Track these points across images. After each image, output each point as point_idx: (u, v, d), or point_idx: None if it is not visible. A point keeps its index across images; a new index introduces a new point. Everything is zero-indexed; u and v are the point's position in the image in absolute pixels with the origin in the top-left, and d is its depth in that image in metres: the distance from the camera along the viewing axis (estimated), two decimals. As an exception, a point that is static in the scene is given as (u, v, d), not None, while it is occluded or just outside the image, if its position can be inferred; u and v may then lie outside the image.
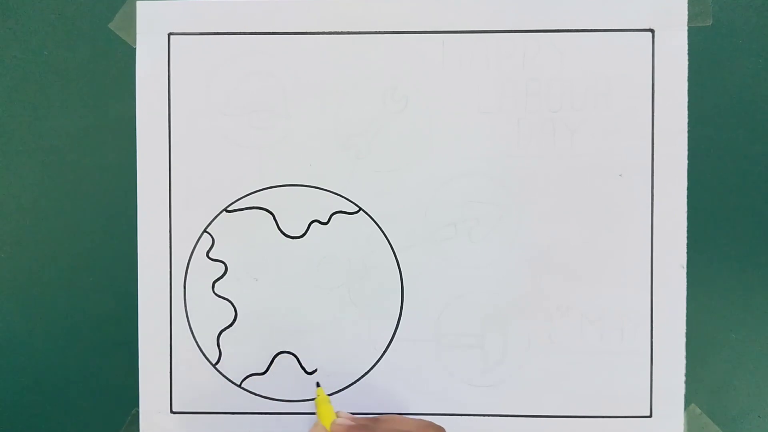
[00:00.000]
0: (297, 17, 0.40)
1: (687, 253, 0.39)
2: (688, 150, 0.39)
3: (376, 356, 0.40)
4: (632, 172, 0.40)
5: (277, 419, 0.40)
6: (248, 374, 0.40)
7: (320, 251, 0.40)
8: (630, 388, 0.40)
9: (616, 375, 0.40)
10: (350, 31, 0.40)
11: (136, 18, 0.40)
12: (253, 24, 0.40)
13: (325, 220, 0.40)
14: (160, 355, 0.40)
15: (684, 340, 0.39)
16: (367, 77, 0.40)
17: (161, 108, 0.40)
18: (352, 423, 0.35)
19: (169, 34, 0.40)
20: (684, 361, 0.39)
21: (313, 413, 0.40)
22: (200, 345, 0.40)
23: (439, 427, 0.34)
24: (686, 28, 0.39)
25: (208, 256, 0.40)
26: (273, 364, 0.40)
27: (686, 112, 0.39)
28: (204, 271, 0.40)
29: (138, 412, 0.40)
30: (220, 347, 0.40)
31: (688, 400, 0.40)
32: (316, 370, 0.40)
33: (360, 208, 0.40)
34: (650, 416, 0.40)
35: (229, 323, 0.40)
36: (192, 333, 0.40)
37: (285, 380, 0.40)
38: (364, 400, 0.39)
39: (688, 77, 0.39)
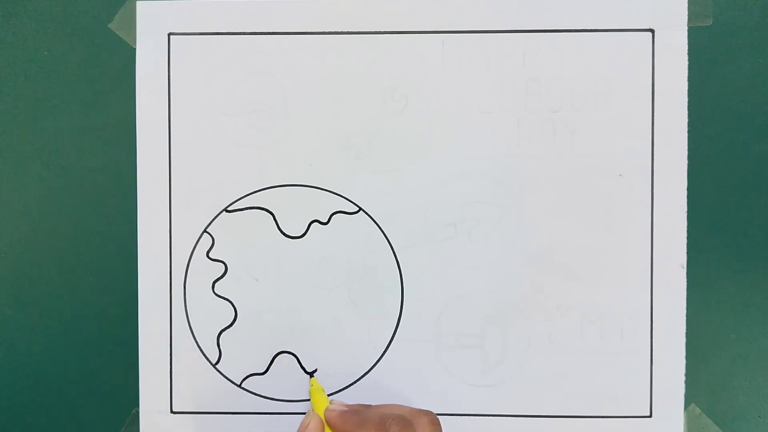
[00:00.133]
0: (297, 17, 0.40)
1: (687, 253, 0.39)
2: (688, 150, 0.39)
3: (376, 356, 0.40)
4: (632, 172, 0.40)
5: (277, 419, 0.40)
6: (248, 374, 0.40)
7: (320, 251, 0.40)
8: (630, 388, 0.40)
9: (616, 375, 0.40)
10: (350, 31, 0.40)
11: (136, 18, 0.40)
12: (253, 24, 0.40)
13: (325, 220, 0.40)
14: (160, 355, 0.40)
15: (684, 340, 0.39)
16: (367, 77, 0.40)
17: (161, 108, 0.40)
18: (345, 408, 0.35)
19: (169, 34, 0.40)
20: (684, 361, 0.39)
21: (313, 413, 0.40)
22: (200, 345, 0.40)
23: (432, 414, 0.34)
24: (686, 28, 0.39)
25: (208, 256, 0.40)
26: (273, 364, 0.40)
27: (686, 112, 0.39)
28: (204, 271, 0.40)
29: (138, 412, 0.40)
30: (220, 347, 0.40)
31: (688, 400, 0.40)
32: (316, 370, 0.40)
33: (360, 208, 0.40)
34: (650, 416, 0.40)
35: (229, 323, 0.40)
36: (192, 333, 0.40)
37: (285, 380, 0.40)
38: (364, 400, 0.39)
39: (688, 77, 0.39)
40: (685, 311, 0.39)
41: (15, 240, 0.41)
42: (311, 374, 0.40)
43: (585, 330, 0.40)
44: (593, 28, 0.40)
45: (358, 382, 0.40)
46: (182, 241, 0.40)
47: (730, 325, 0.40)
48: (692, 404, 0.40)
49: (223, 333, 0.40)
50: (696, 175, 0.39)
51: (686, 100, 0.39)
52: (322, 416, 0.35)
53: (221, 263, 0.40)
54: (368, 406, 0.36)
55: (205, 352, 0.40)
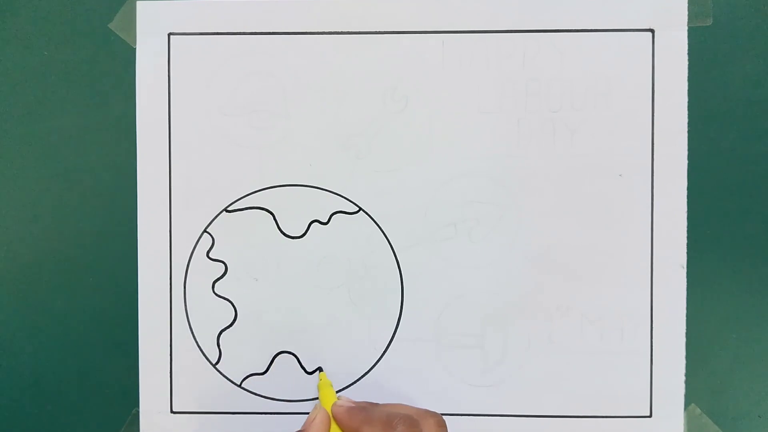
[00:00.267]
0: (297, 17, 0.40)
1: (687, 253, 0.39)
2: (688, 150, 0.39)
3: (376, 356, 0.40)
4: (632, 172, 0.40)
5: (277, 419, 0.40)
6: (248, 374, 0.40)
7: (320, 251, 0.40)
8: (630, 388, 0.40)
9: (616, 375, 0.40)
10: (350, 31, 0.40)
11: (136, 18, 0.40)
12: (253, 24, 0.40)
13: (325, 220, 0.40)
14: (160, 355, 0.40)
15: (684, 340, 0.39)
16: (367, 77, 0.40)
17: (161, 108, 0.40)
18: (353, 404, 0.35)
19: (169, 34, 0.40)
20: (684, 361, 0.39)
21: (313, 413, 0.40)
22: (200, 345, 0.40)
23: (439, 416, 0.34)
24: (686, 28, 0.39)
25: (208, 256, 0.40)
26: (273, 364, 0.40)
27: (686, 112, 0.39)
28: (204, 271, 0.40)
29: (138, 412, 0.40)
30: (220, 347, 0.40)
31: (688, 400, 0.40)
32: (316, 370, 0.40)
33: (360, 208, 0.40)
34: (650, 416, 0.40)
35: (229, 323, 0.40)
36: (192, 333, 0.40)
37: (285, 380, 0.40)
38: (364, 399, 0.39)
39: (688, 77, 0.39)
40: (685, 311, 0.39)
41: (15, 240, 0.41)
42: (312, 372, 0.40)
43: (585, 330, 0.40)
44: (593, 28, 0.40)
45: (358, 382, 0.40)
46: (182, 241, 0.40)
47: (730, 325, 0.40)
48: (692, 404, 0.40)
49: (223, 333, 0.40)
50: (696, 175, 0.39)
51: (686, 100, 0.39)
52: (329, 411, 0.35)
53: (221, 263, 0.40)
54: (375, 404, 0.36)
55: (205, 352, 0.40)
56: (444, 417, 0.35)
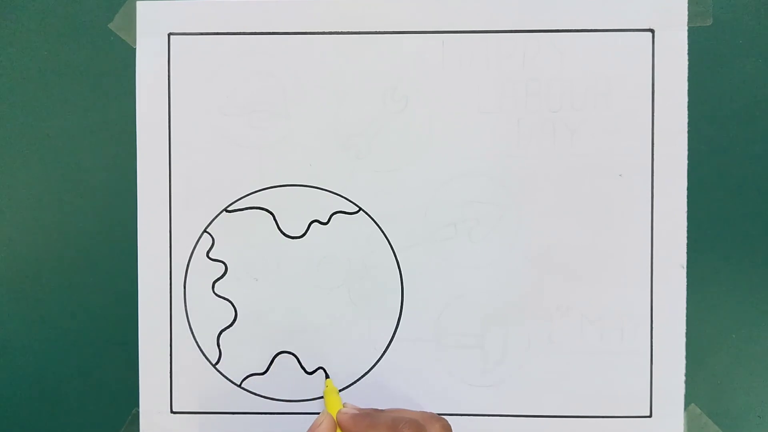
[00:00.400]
0: (297, 17, 0.40)
1: (687, 253, 0.39)
2: (688, 150, 0.39)
3: (376, 356, 0.40)
4: (632, 172, 0.40)
5: (277, 419, 0.40)
6: (248, 374, 0.40)
7: (320, 251, 0.40)
8: (630, 388, 0.40)
9: (616, 375, 0.40)
10: (350, 31, 0.40)
11: (136, 18, 0.40)
12: (253, 24, 0.40)
13: (325, 220, 0.40)
14: (160, 355, 0.40)
15: (684, 340, 0.39)
16: (367, 77, 0.40)
17: (161, 108, 0.40)
18: (357, 411, 0.36)
19: (169, 34, 0.40)
20: (684, 361, 0.39)
21: (314, 413, 0.40)
22: (200, 345, 0.40)
23: (445, 420, 0.34)
24: (686, 28, 0.39)
25: (208, 256, 0.40)
26: (273, 364, 0.40)
27: (686, 112, 0.39)
28: (204, 271, 0.40)
29: (138, 412, 0.40)
30: (220, 347, 0.40)
31: (688, 400, 0.40)
32: (316, 370, 0.40)
33: (360, 208, 0.40)
34: (650, 416, 0.40)
35: (229, 323, 0.40)
36: (192, 333, 0.40)
37: (285, 380, 0.40)
38: (365, 399, 0.39)
39: (688, 77, 0.39)
40: (685, 311, 0.39)
41: (15, 240, 0.41)
42: (312, 372, 0.40)
43: (585, 330, 0.40)
44: (593, 28, 0.40)
45: (358, 382, 0.40)
46: (182, 241, 0.40)
47: (730, 325, 0.40)
48: (692, 404, 0.40)
49: (223, 333, 0.40)
50: (696, 175, 0.39)
51: (686, 100, 0.39)
52: (335, 417, 0.36)
53: (221, 263, 0.40)
54: (381, 411, 0.36)
55: (205, 352, 0.40)
56: (444, 417, 0.35)
